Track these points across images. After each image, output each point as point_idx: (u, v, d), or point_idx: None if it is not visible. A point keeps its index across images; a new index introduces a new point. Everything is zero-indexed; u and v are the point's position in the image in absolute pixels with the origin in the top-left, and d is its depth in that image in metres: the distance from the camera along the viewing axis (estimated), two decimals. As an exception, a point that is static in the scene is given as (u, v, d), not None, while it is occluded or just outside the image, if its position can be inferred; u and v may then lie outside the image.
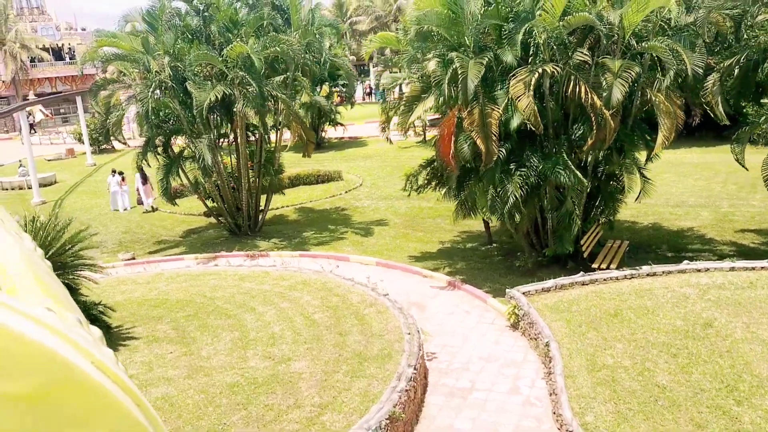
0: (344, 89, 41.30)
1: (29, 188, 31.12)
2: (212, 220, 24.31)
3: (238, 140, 20.46)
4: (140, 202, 26.71)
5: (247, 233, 21.07)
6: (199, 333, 12.33)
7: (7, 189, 32.26)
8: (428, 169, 17.10)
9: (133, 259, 19.52)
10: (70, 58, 62.00)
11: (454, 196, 15.46)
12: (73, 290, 11.48)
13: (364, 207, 24.58)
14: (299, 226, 22.64)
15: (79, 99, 40.03)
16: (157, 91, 18.20)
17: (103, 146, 42.67)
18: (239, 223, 21.01)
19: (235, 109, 20.08)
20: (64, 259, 11.25)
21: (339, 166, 32.22)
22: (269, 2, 19.30)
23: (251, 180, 20.78)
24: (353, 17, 60.20)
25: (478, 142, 12.98)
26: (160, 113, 18.14)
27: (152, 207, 26.04)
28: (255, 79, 17.18)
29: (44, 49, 58.99)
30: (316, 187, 28.23)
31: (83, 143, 41.91)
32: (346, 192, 27.15)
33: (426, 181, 17.43)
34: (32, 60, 59.04)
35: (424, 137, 38.57)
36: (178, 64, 17.81)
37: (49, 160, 40.83)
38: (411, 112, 13.70)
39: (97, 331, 0.91)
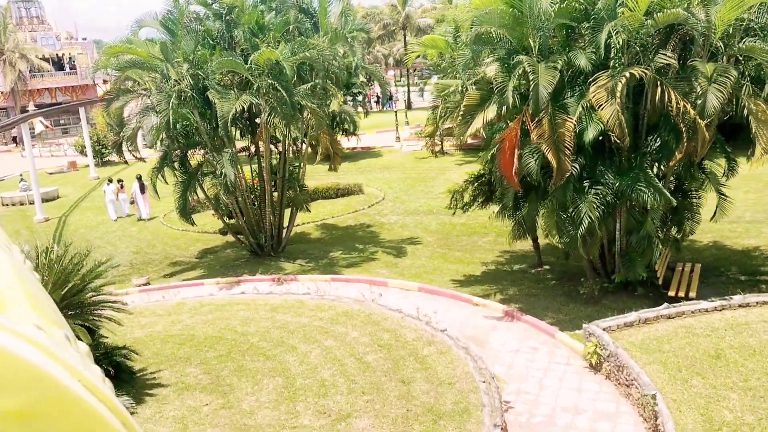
0: (358, 98, 39.90)
1: (31, 204, 29.48)
2: (229, 238, 22.71)
3: (261, 153, 18.94)
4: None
5: (269, 253, 19.47)
6: (236, 379, 10.73)
7: (8, 205, 30.60)
8: (475, 184, 15.56)
9: (148, 284, 17.90)
10: (71, 68, 60.45)
11: (510, 215, 13.89)
12: (92, 331, 9.87)
13: (391, 223, 23.01)
14: (324, 245, 21.05)
15: (82, 110, 38.46)
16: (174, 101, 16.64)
17: (107, 158, 41.09)
18: (261, 242, 19.41)
19: (258, 120, 18.61)
20: (84, 298, 9.65)
21: (357, 178, 30.63)
22: (295, 5, 17.79)
23: (274, 196, 19.20)
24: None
25: (549, 156, 11.45)
26: (177, 125, 16.55)
27: (148, 217, 25.74)
28: (284, 87, 15.64)
29: (44, 59, 57.39)
30: (335, 202, 26.64)
31: (85, 155, 40.33)
32: (369, 206, 25.58)
33: (472, 198, 15.89)
34: (31, 70, 57.50)
35: (442, 147, 37.15)
36: (198, 72, 16.27)
37: (50, 174, 39.17)
38: (469, 123, 12.16)
39: (84, 347, 0.91)
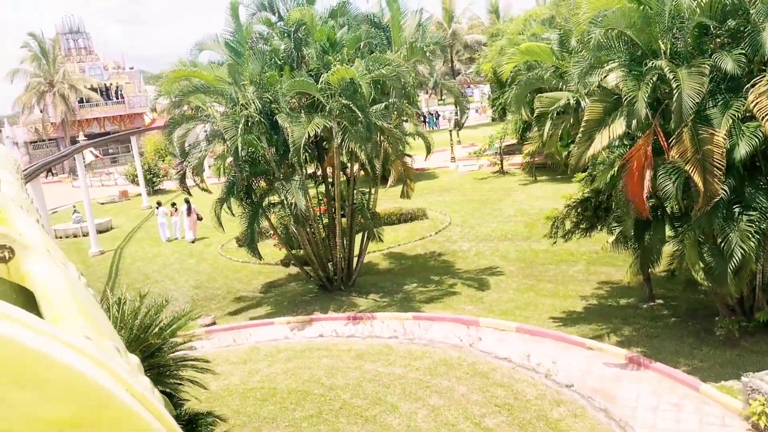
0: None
1: (85, 236, 28.79)
2: (291, 270, 21.37)
3: (331, 180, 17.57)
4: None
5: (339, 287, 17.95)
6: (335, 448, 9.15)
7: (61, 237, 29.95)
8: (579, 209, 13.79)
9: (214, 323, 16.56)
10: (118, 98, 60.90)
11: (631, 246, 12.07)
12: (171, 396, 8.41)
13: (464, 251, 21.31)
14: (395, 276, 19.46)
15: (133, 139, 38.06)
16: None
17: (158, 187, 40.53)
18: (330, 275, 17.92)
19: (326, 145, 17.26)
20: (164, 358, 8.22)
21: (416, 202, 29.05)
22: (366, 19, 16.46)
23: (344, 225, 17.74)
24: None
25: (696, 177, 9.65)
26: (243, 152, 15.27)
27: (192, 239, 26.46)
28: (360, 107, 14.22)
29: (92, 89, 57.93)
30: (398, 228, 25.07)
31: (136, 184, 39.86)
32: (436, 233, 23.94)
33: (574, 225, 14.12)
34: (80, 100, 58.05)
35: (501, 167, 35.39)
36: (266, 95, 15.01)
37: (102, 204, 38.74)
38: (590, 141, 10.46)
39: (134, 359, 0.96)
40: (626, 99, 10.12)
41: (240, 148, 14.19)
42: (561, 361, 11.97)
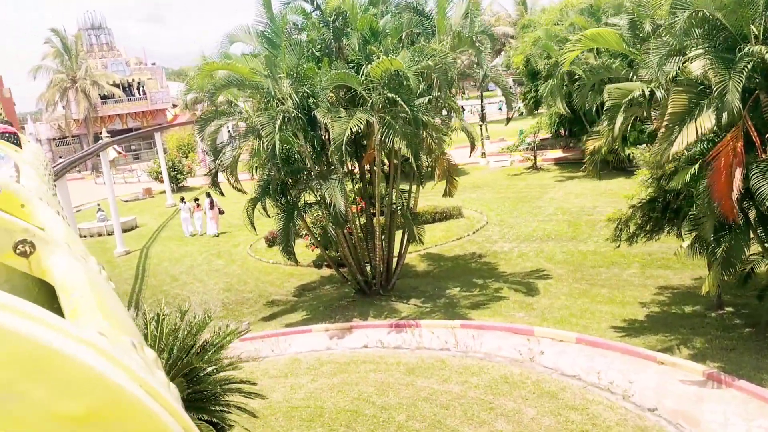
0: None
1: (110, 234, 28.20)
2: (324, 272, 20.53)
3: (369, 177, 16.65)
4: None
5: (378, 291, 17.04)
6: (397, 481, 8.22)
7: (86, 236, 29.39)
8: (645, 210, 12.70)
9: (249, 330, 15.73)
10: (140, 94, 60.47)
11: (709, 251, 10.96)
12: (216, 425, 7.53)
13: (505, 252, 20.27)
14: (436, 279, 18.49)
15: (157, 135, 37.47)
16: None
17: (181, 184, 39.92)
18: (368, 278, 17.01)
19: (364, 142, 16.32)
20: (209, 384, 7.35)
21: (450, 199, 28.03)
22: (408, 6, 15.46)
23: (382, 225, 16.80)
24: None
25: (800, 178, 8.54)
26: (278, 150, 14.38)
27: (217, 233, 26.67)
28: (406, 101, 13.25)
29: (114, 85, 57.50)
30: (434, 227, 24.03)
31: (160, 181, 39.30)
32: (474, 232, 22.92)
33: (638, 227, 13.03)
34: (103, 97, 57.71)
35: (535, 162, 34.16)
36: (304, 89, 14.10)
37: (125, 201, 38.21)
38: (674, 137, 9.38)
39: (151, 354, 0.90)
40: (716, 89, 9.03)
41: (278, 146, 13.29)
42: (633, 377, 10.92)
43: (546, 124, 32.72)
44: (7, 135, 3.15)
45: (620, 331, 13.36)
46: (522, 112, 44.37)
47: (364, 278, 16.88)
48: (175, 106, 59.88)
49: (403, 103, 13.18)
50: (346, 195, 15.08)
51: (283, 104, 13.73)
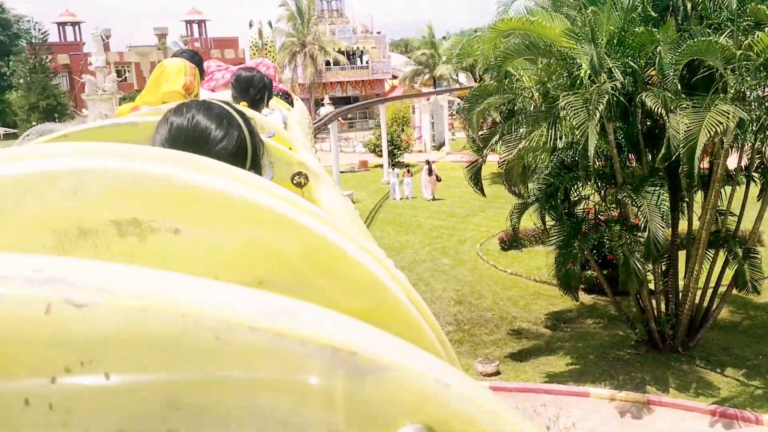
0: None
1: (327, 209, 26.60)
2: (583, 297, 16.23)
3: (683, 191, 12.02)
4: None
5: (676, 348, 12.44)
6: None
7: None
8: None
9: (498, 374, 12.19)
10: (362, 63, 60.01)
11: None
12: None
13: None
14: (751, 337, 13.37)
15: (381, 108, 35.58)
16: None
17: (397, 159, 37.82)
18: (664, 327, 12.47)
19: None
20: None
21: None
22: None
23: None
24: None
25: None
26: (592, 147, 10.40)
27: (433, 197, 27.46)
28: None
29: (340, 52, 57.48)
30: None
31: (377, 154, 37.63)
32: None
33: None
34: (326, 63, 58.09)
35: None
36: (632, 63, 9.88)
37: (341, 172, 36.99)
38: None
39: (391, 262, 0.91)
40: None
41: (592, 142, 9.30)
42: None
43: None
44: (282, 93, 3.64)
45: None
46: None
47: (661, 327, 12.38)
48: (395, 77, 58.61)
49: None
50: (665, 216, 10.66)
51: (605, 83, 9.63)
